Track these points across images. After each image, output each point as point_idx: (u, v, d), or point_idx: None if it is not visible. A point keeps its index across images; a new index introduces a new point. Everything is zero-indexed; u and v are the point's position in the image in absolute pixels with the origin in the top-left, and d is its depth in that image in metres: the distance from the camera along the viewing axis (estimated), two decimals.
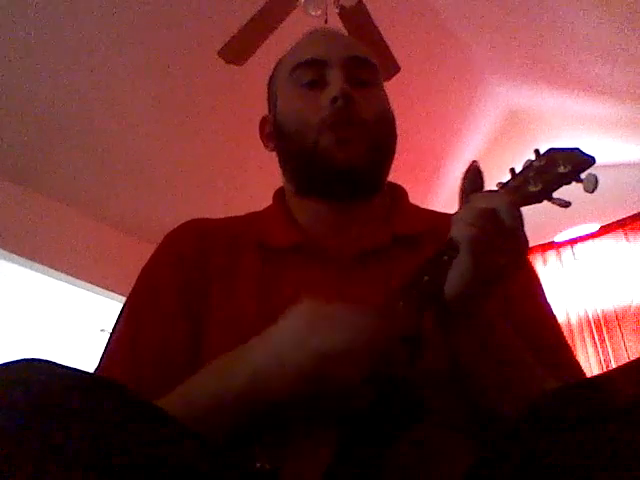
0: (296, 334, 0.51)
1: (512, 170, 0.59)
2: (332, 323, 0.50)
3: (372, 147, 0.74)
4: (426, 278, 0.56)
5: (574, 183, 0.56)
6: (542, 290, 0.78)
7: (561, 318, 3.79)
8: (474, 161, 0.60)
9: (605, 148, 3.57)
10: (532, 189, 0.57)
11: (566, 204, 0.56)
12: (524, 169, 0.59)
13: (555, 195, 0.57)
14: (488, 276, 0.56)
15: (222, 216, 0.85)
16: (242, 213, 0.86)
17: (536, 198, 0.57)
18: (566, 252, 4.01)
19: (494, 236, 0.54)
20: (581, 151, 0.56)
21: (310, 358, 0.49)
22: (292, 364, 0.49)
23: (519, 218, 0.56)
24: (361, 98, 0.74)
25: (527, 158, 0.60)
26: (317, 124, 0.73)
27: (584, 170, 0.56)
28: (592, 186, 0.54)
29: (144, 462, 0.38)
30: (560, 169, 0.56)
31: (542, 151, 0.59)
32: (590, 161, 0.55)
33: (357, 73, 0.76)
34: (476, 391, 0.61)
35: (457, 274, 0.55)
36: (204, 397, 0.54)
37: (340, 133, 0.72)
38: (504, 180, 0.60)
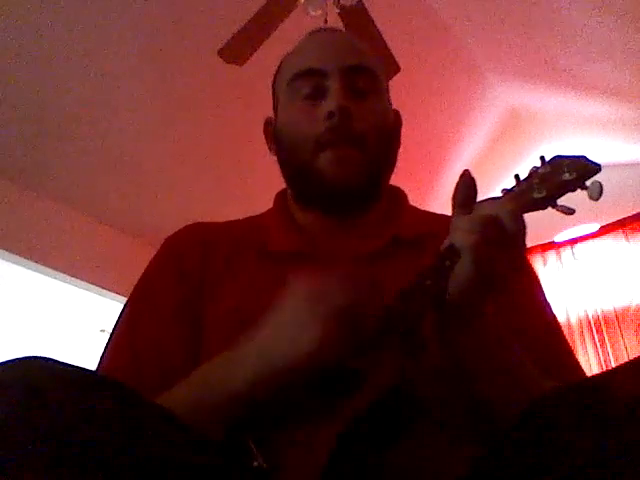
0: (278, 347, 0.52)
1: (517, 176, 0.59)
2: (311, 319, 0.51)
3: (370, 163, 0.74)
4: (428, 282, 0.56)
5: (579, 190, 0.56)
6: (542, 292, 0.78)
7: (561, 318, 3.79)
8: (466, 170, 0.60)
9: (605, 148, 3.57)
10: (536, 196, 0.57)
11: (570, 211, 0.56)
12: (529, 176, 0.59)
13: (559, 201, 0.57)
14: (489, 282, 0.56)
15: (223, 217, 0.85)
16: (243, 213, 0.86)
17: (540, 205, 0.57)
18: (566, 252, 4.01)
19: (495, 243, 0.54)
20: (587, 158, 0.56)
21: (304, 359, 0.50)
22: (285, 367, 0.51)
23: (522, 225, 0.56)
24: (360, 109, 0.73)
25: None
26: (314, 141, 0.73)
27: (589, 178, 0.55)
28: (597, 194, 0.54)
29: (144, 460, 0.38)
30: (565, 176, 0.56)
31: (547, 157, 0.59)
32: (596, 169, 0.55)
33: (356, 82, 0.75)
34: (477, 395, 0.61)
35: (459, 280, 0.55)
36: (205, 395, 0.55)
37: (338, 152, 0.72)
38: (505, 182, 0.60)
